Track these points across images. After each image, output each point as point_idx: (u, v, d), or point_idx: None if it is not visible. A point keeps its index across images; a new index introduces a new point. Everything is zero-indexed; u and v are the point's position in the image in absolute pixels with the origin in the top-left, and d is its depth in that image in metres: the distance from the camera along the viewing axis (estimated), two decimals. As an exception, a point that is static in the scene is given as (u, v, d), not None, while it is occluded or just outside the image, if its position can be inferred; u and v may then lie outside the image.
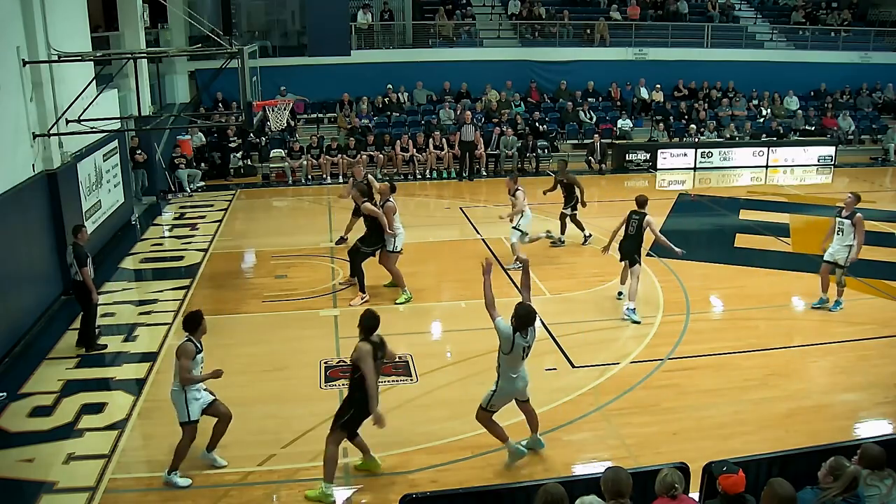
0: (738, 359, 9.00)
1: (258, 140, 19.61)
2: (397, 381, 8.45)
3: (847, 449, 5.42)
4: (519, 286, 7.29)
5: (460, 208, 16.22)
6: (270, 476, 6.72)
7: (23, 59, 10.27)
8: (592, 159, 19.96)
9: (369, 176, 12.91)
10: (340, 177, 18.70)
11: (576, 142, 21.21)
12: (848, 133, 22.38)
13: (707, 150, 20.74)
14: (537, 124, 20.71)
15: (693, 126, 21.27)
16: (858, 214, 10.13)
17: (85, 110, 11.14)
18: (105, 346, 9.40)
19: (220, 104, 19.83)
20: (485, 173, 19.41)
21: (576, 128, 21.52)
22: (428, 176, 19.26)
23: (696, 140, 20.88)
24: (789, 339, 9.77)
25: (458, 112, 20.48)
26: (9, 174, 9.67)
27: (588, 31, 23.72)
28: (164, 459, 7.11)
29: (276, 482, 6.62)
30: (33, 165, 10.47)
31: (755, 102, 23.18)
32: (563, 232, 13.45)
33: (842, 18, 26.08)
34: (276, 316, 10.40)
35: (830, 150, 21.39)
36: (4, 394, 8.14)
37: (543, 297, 11.00)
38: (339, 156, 18.83)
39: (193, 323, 6.59)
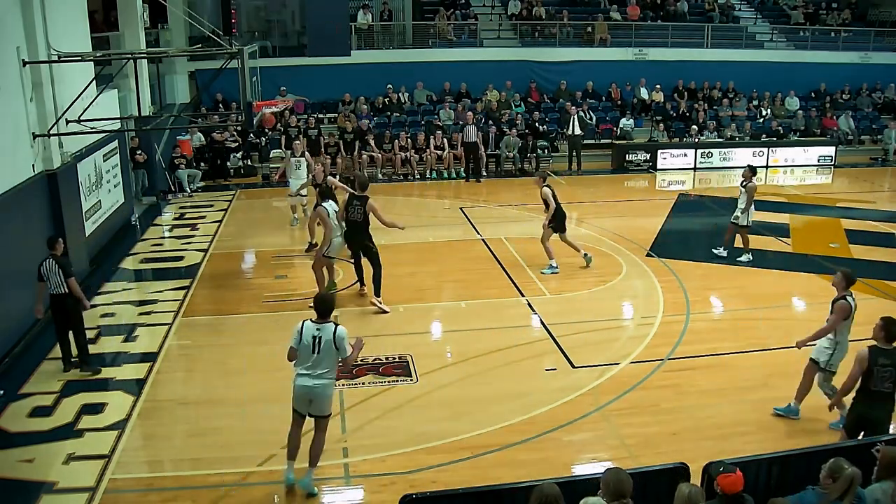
0: (738, 359, 9.01)
1: (258, 140, 19.61)
2: (397, 381, 8.44)
3: (847, 449, 5.43)
4: None
5: (460, 208, 16.22)
6: (270, 476, 6.71)
7: (23, 59, 10.26)
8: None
9: (329, 178, 12.80)
10: (338, 176, 18.73)
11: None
12: (848, 133, 22.38)
13: (707, 151, 20.73)
14: (537, 124, 20.70)
15: (694, 126, 21.26)
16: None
17: (85, 110, 11.14)
18: (100, 371, 8.75)
19: (220, 104, 19.83)
20: (485, 173, 19.41)
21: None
22: (428, 176, 19.24)
23: (696, 140, 20.89)
24: (789, 339, 9.71)
25: (460, 111, 20.47)
26: (9, 174, 9.66)
27: (588, 31, 23.71)
28: (164, 459, 7.13)
29: (277, 482, 6.61)
30: (33, 166, 10.47)
31: (755, 103, 23.17)
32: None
33: (842, 18, 26.08)
34: (276, 316, 10.40)
35: (830, 151, 21.38)
36: (2, 392, 8.14)
37: (543, 298, 11.01)
38: (339, 154, 18.86)
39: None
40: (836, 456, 4.89)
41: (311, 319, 6.38)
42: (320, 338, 6.27)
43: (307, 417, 6.51)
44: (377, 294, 10.47)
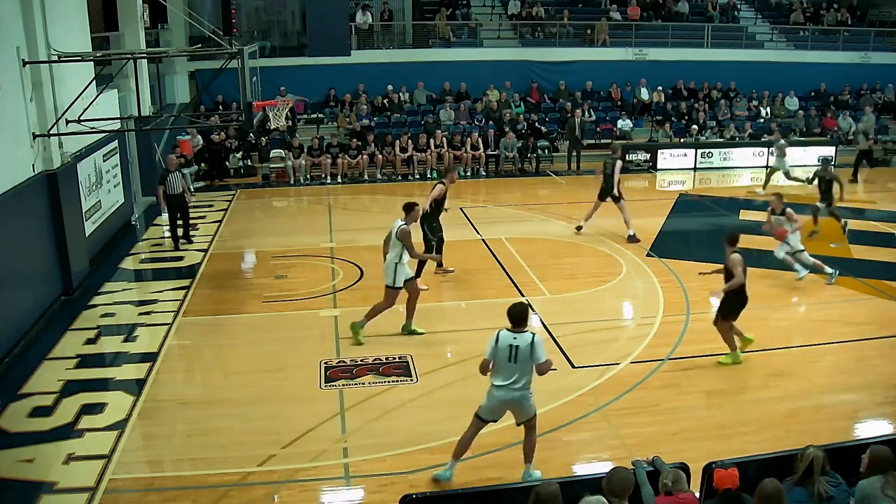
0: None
1: (258, 140, 19.61)
2: (397, 381, 8.44)
3: (847, 449, 5.43)
4: None
5: (460, 208, 16.21)
6: (270, 476, 6.71)
7: (23, 59, 10.26)
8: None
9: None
10: (339, 177, 18.72)
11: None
12: (848, 133, 22.36)
13: (707, 151, 20.72)
14: (537, 124, 20.69)
15: (694, 126, 21.25)
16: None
17: (85, 110, 11.13)
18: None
19: (220, 105, 19.82)
20: (484, 173, 19.41)
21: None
22: (428, 176, 19.22)
23: (696, 140, 20.87)
24: (789, 339, 9.76)
25: (461, 111, 20.48)
26: (9, 174, 9.66)
27: (588, 31, 23.72)
28: (164, 459, 7.13)
29: (276, 482, 6.62)
30: (33, 166, 10.46)
31: (755, 103, 23.16)
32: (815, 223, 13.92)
33: (842, 18, 26.07)
34: (276, 316, 10.40)
35: (830, 151, 21.35)
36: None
37: (543, 297, 11.00)
38: (341, 155, 18.85)
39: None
40: (834, 456, 4.90)
41: (507, 328, 6.28)
42: (517, 346, 6.15)
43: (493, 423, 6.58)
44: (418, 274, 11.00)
